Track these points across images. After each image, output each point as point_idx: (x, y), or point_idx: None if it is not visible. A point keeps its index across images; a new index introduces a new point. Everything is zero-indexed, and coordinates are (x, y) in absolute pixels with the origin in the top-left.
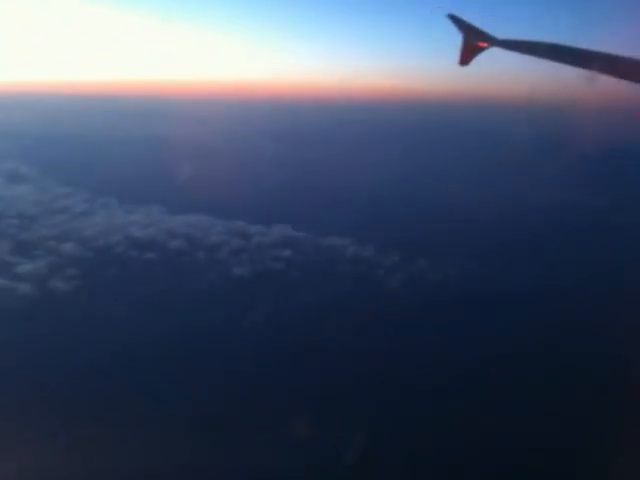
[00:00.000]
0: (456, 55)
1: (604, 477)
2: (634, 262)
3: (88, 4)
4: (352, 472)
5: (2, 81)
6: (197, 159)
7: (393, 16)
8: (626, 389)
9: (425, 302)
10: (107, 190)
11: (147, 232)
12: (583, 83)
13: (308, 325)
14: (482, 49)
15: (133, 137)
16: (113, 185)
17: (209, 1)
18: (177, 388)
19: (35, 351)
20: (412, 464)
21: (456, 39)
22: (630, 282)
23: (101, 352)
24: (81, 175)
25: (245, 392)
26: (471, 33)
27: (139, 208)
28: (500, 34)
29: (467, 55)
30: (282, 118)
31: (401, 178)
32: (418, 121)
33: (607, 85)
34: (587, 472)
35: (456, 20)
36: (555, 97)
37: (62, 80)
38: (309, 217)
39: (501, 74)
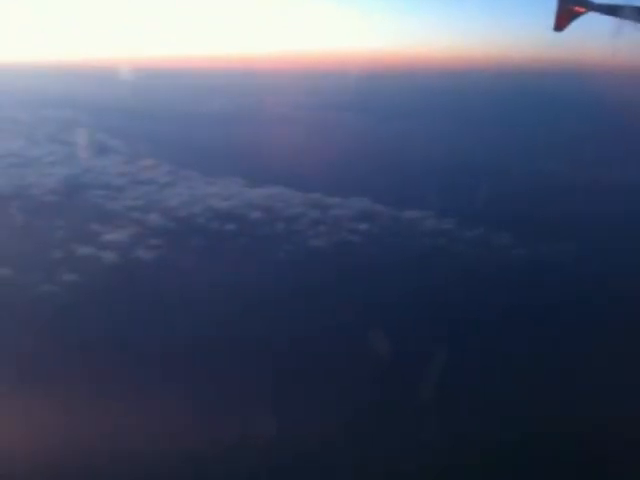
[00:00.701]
0: (550, 20)
1: None
2: None
3: None
4: None
5: (95, 57)
6: (278, 132)
7: None
8: None
9: (507, 278)
10: (190, 162)
11: (228, 204)
12: None
13: (385, 299)
14: (578, 14)
15: (217, 110)
16: (195, 158)
17: None
18: (256, 357)
19: (116, 317)
20: None
21: (551, 3)
22: None
23: (179, 319)
24: (166, 148)
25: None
26: None
27: (220, 180)
28: None
29: (562, 20)
30: (367, 89)
31: (489, 150)
32: (508, 90)
33: None
34: None
35: None
36: None
37: (151, 55)
38: (389, 190)
39: (597, 41)
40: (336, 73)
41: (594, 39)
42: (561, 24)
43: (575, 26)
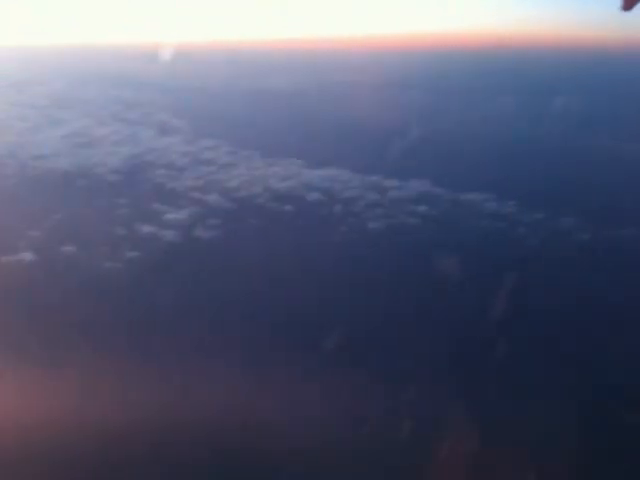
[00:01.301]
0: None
1: None
2: None
3: None
4: None
5: (160, 38)
6: (339, 112)
7: None
8: None
9: (569, 262)
10: (250, 143)
11: (286, 185)
12: None
13: (440, 284)
14: None
15: (280, 90)
16: (256, 138)
17: None
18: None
19: (176, 294)
20: None
21: None
22: None
23: (236, 298)
24: (227, 128)
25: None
26: None
27: (279, 161)
28: None
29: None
30: (432, 68)
31: (554, 132)
32: (576, 71)
33: None
34: None
35: None
36: None
37: (217, 36)
38: (449, 172)
39: None
40: (400, 52)
41: None
42: (629, 3)
43: None
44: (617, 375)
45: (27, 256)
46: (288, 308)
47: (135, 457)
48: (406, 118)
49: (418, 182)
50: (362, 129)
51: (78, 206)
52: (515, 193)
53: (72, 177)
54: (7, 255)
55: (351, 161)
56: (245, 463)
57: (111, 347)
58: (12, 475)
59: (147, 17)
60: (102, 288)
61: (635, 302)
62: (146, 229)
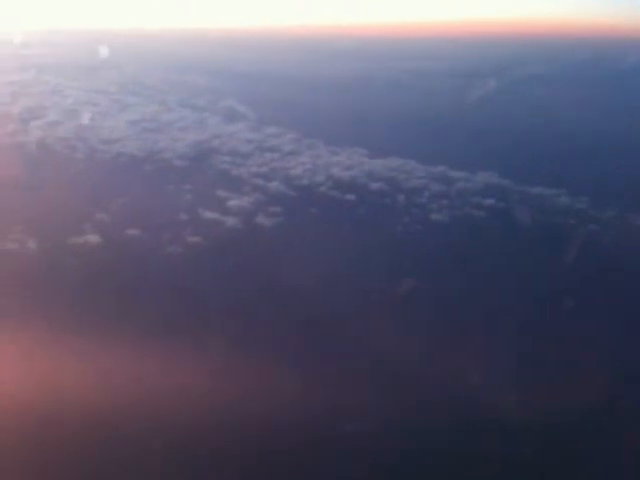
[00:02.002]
0: None
1: None
2: None
3: None
4: None
5: (227, 24)
6: (403, 100)
7: None
8: None
9: None
10: (314, 131)
11: (349, 174)
12: None
13: (505, 279)
14: None
15: (345, 78)
16: (320, 126)
17: None
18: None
19: (235, 279)
20: None
21: None
22: None
23: (295, 286)
24: (292, 115)
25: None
26: None
27: (343, 150)
28: None
29: None
30: (499, 56)
31: (632, 126)
32: None
33: None
34: None
35: None
36: None
37: (285, 22)
38: (519, 164)
39: None
40: (467, 39)
41: None
42: None
43: None
44: None
45: (93, 238)
46: (347, 297)
47: None
48: (473, 108)
49: (485, 174)
50: (428, 118)
51: (144, 190)
52: (588, 188)
53: (139, 162)
54: (74, 237)
55: (416, 151)
56: None
57: (171, 330)
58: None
59: (217, 2)
60: (163, 271)
61: None
62: (209, 215)
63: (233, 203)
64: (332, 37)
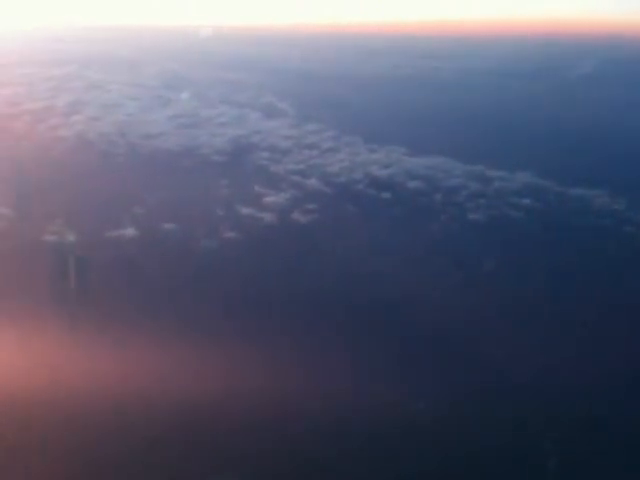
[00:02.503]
0: None
1: None
2: None
3: None
4: None
5: (269, 21)
6: (442, 98)
7: None
8: None
9: None
10: (353, 128)
11: (387, 172)
12: None
13: (540, 278)
14: None
15: (386, 76)
16: (360, 123)
17: None
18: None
19: (268, 273)
20: None
21: None
22: None
23: (331, 282)
24: (332, 112)
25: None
26: None
27: (382, 148)
28: None
29: None
30: (539, 55)
31: None
32: None
33: None
34: None
35: None
36: None
37: (327, 19)
38: (559, 164)
39: None
40: (503, 39)
41: None
42: None
43: None
44: None
45: (130, 231)
46: (382, 295)
47: None
48: (513, 107)
49: (524, 173)
50: (467, 117)
51: (182, 185)
52: (627, 190)
53: (178, 156)
54: (111, 230)
55: (455, 150)
56: None
57: (205, 325)
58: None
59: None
60: (198, 266)
61: None
62: (245, 210)
63: (270, 199)
64: (372, 35)
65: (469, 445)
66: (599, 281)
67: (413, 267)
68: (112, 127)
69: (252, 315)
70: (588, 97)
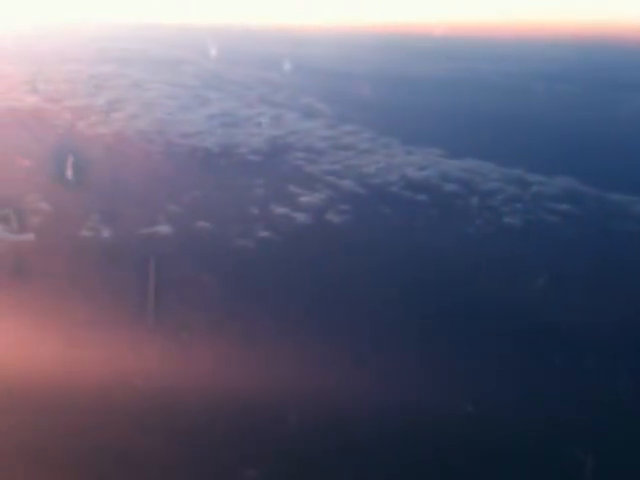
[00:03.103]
0: None
1: None
2: None
3: None
4: None
5: (309, 21)
6: (483, 101)
7: None
8: None
9: None
10: (391, 130)
11: (423, 174)
12: None
13: (577, 288)
14: None
15: (427, 76)
16: (397, 125)
17: None
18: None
19: (300, 273)
20: None
21: None
22: None
23: (360, 284)
24: (370, 113)
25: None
26: None
27: (419, 150)
28: None
29: None
30: (585, 59)
31: None
32: None
33: None
34: None
35: None
36: None
37: (360, 20)
38: (598, 170)
39: None
40: (552, 42)
41: None
42: None
43: None
44: None
45: (164, 229)
46: (413, 297)
47: None
48: (556, 111)
49: (564, 179)
50: (507, 120)
51: (217, 184)
52: None
53: (214, 156)
54: (145, 227)
55: (493, 153)
56: None
57: (237, 324)
58: None
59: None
60: (231, 264)
61: None
62: (279, 210)
63: (304, 199)
64: (411, 35)
65: None
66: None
67: (445, 270)
68: (150, 125)
69: (285, 315)
70: (634, 102)
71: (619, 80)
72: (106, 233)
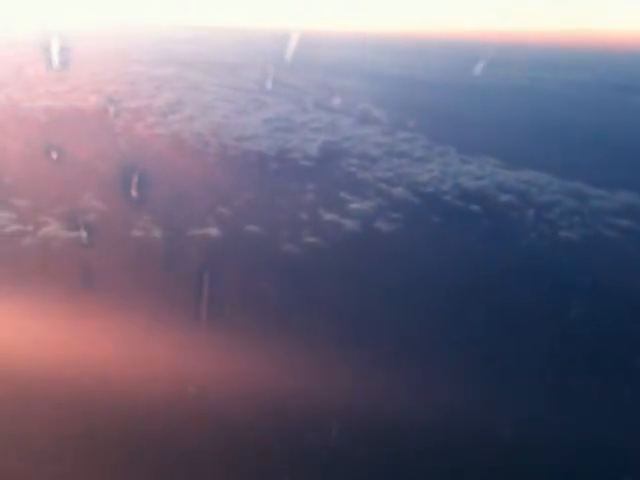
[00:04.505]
0: None
1: None
2: None
3: None
4: None
5: (370, 26)
6: (546, 110)
7: None
8: None
9: None
10: (447, 138)
11: (478, 184)
12: None
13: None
14: None
15: (486, 84)
16: (454, 133)
17: None
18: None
19: (348, 282)
20: None
21: None
22: None
23: (401, 294)
24: (427, 121)
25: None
26: None
27: (475, 159)
28: None
29: None
30: None
31: None
32: None
33: None
34: None
35: None
36: None
37: (422, 26)
38: None
39: None
40: (616, 51)
41: None
42: None
43: None
44: None
45: (212, 231)
46: (465, 312)
47: None
48: (622, 123)
49: (626, 194)
50: (571, 131)
51: (268, 188)
52: None
53: (267, 160)
54: (195, 229)
55: (553, 164)
56: None
57: (280, 328)
58: None
59: (360, 5)
60: (277, 269)
61: None
62: (329, 216)
63: (354, 206)
64: (473, 42)
65: None
66: None
67: (496, 284)
68: (207, 128)
69: (328, 321)
70: None
71: None
72: (157, 233)
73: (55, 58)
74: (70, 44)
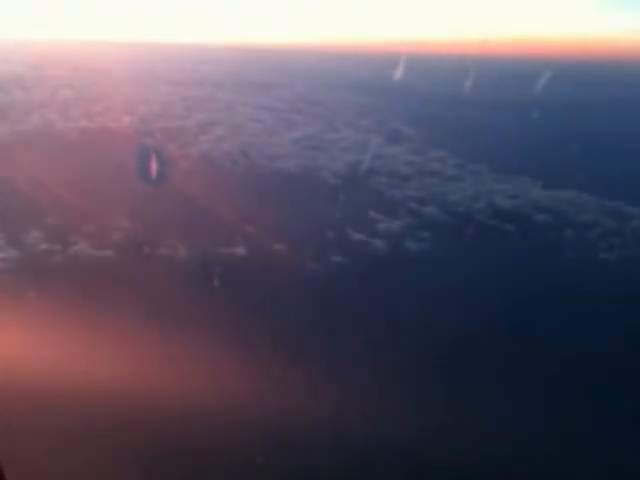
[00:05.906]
0: None
1: None
2: None
3: None
4: None
5: (402, 45)
6: (580, 125)
7: None
8: None
9: None
10: (480, 157)
11: (512, 203)
12: None
13: None
14: None
15: (519, 103)
16: (487, 152)
17: None
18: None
19: (375, 302)
20: None
21: None
22: None
23: (438, 315)
24: (459, 139)
25: None
26: None
27: (509, 178)
28: None
29: None
30: None
31: None
32: None
33: None
34: None
35: None
36: None
37: (450, 39)
38: None
39: None
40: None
41: None
42: None
43: None
44: None
45: (240, 250)
46: (490, 328)
47: None
48: None
49: None
50: (610, 149)
51: (296, 207)
52: None
53: (296, 179)
54: (222, 247)
55: (591, 183)
56: None
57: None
58: None
59: (395, 22)
60: (303, 289)
61: None
62: (357, 236)
63: (383, 225)
64: (506, 57)
65: None
66: None
67: (530, 307)
68: (236, 147)
69: (351, 342)
70: None
71: None
72: (183, 252)
73: (90, 81)
74: (103, 65)
